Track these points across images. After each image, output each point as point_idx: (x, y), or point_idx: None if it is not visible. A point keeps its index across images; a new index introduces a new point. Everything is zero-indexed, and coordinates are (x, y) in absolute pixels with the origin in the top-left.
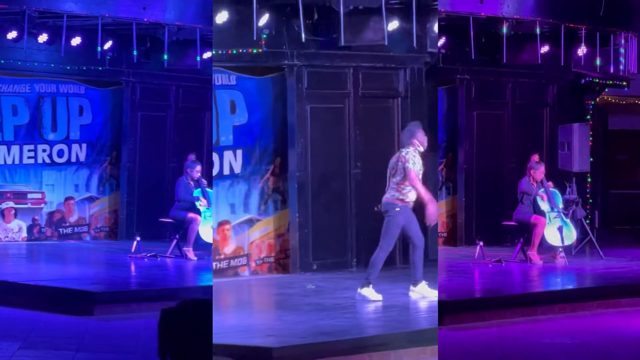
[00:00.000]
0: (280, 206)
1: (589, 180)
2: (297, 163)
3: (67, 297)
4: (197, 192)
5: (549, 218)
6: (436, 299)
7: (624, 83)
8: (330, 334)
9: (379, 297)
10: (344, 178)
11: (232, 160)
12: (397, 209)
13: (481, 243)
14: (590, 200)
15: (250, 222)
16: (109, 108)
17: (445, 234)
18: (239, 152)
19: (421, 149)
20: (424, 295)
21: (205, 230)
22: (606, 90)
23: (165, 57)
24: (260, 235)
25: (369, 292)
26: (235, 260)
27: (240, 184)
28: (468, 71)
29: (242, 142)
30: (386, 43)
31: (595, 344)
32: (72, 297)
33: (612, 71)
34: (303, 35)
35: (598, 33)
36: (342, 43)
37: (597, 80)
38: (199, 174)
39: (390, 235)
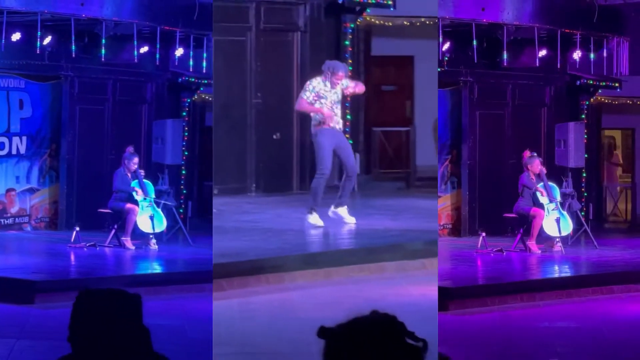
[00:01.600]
0: None
1: (584, 175)
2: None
3: (9, 286)
4: (134, 184)
5: (547, 210)
6: (353, 224)
7: (616, 84)
8: (229, 255)
9: (321, 223)
10: (245, 107)
11: (18, 144)
12: (314, 132)
13: (483, 234)
14: (585, 194)
15: (31, 191)
16: (49, 102)
17: (450, 226)
18: (24, 138)
19: (331, 84)
20: (343, 218)
21: (143, 221)
22: (600, 91)
23: (103, 52)
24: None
25: (314, 219)
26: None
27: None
28: (471, 74)
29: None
30: None
31: (590, 328)
32: (13, 286)
33: (605, 73)
34: None
35: (592, 38)
36: None
37: (591, 82)
38: (136, 166)
39: (319, 158)
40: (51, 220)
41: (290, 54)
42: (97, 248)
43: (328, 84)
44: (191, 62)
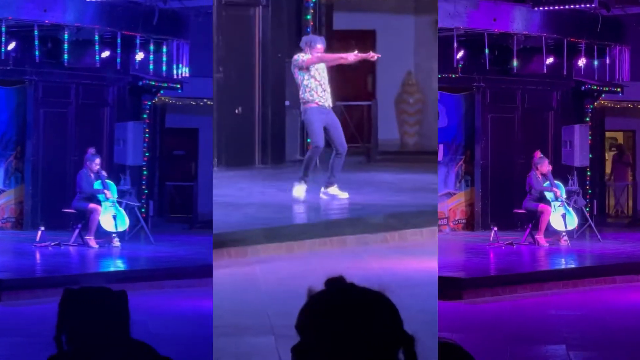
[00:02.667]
0: None
1: (589, 173)
2: None
3: None
4: (97, 184)
5: (554, 206)
6: (346, 198)
7: (618, 89)
8: None
9: (303, 196)
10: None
11: None
12: (303, 109)
13: (495, 228)
14: (590, 191)
15: None
16: (14, 105)
17: (464, 221)
18: None
19: (307, 56)
20: (336, 196)
21: (106, 220)
22: (603, 95)
23: (66, 56)
24: (5, 201)
25: (299, 190)
26: None
27: None
28: (483, 80)
29: None
30: None
31: (594, 315)
32: None
33: (607, 79)
34: None
35: (595, 46)
36: None
37: (595, 87)
38: (99, 167)
39: (311, 132)
40: (17, 220)
41: (251, 28)
42: (62, 247)
43: (316, 52)
44: (151, 66)
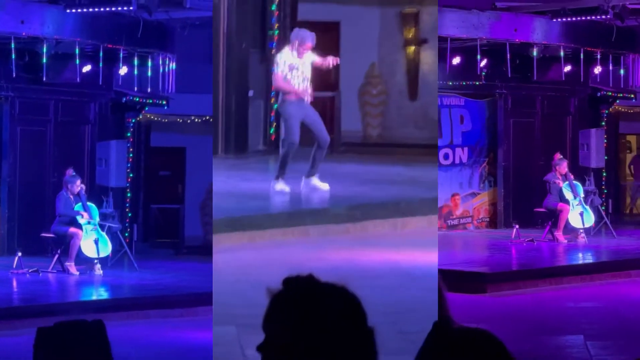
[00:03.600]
0: None
1: (604, 174)
2: None
3: None
4: (78, 207)
5: (572, 205)
6: (327, 189)
7: (632, 95)
8: None
9: (287, 188)
10: None
11: None
12: (281, 101)
13: (517, 226)
14: (605, 191)
15: None
16: None
17: (487, 219)
18: None
19: (298, 55)
20: (317, 187)
21: (87, 245)
22: (617, 101)
23: (44, 71)
24: None
25: (281, 186)
26: None
27: None
28: (505, 87)
29: None
30: None
31: (610, 307)
32: None
33: (622, 86)
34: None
35: (610, 55)
36: None
37: (610, 93)
38: (79, 188)
39: (287, 128)
40: None
41: (217, 18)
42: (40, 274)
43: (295, 53)
44: (135, 81)
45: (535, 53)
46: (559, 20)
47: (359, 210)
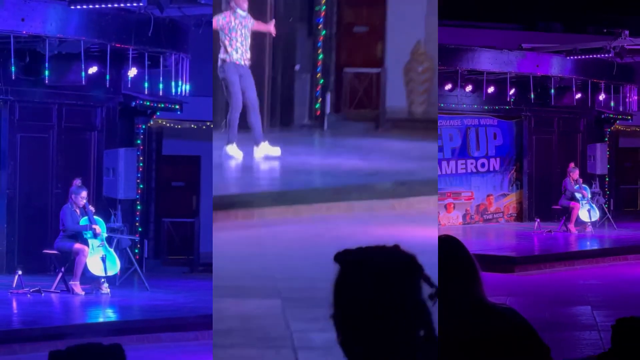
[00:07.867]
0: None
1: (607, 179)
2: None
3: None
4: (83, 221)
5: (582, 204)
6: (278, 154)
7: (629, 117)
8: None
9: (240, 153)
10: None
11: None
12: (220, 67)
13: (538, 219)
14: (608, 192)
15: None
16: None
17: (515, 214)
18: None
19: (240, 11)
20: (268, 153)
21: (93, 262)
22: (617, 121)
23: (47, 73)
24: None
25: (232, 149)
26: None
27: None
28: (529, 110)
29: None
30: None
31: (612, 284)
32: None
33: (621, 109)
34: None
35: (612, 85)
36: None
37: (611, 115)
38: (85, 201)
39: (230, 94)
40: None
41: None
42: (42, 294)
43: (239, 11)
44: (146, 84)
45: (552, 84)
46: (572, 57)
47: (404, 186)
